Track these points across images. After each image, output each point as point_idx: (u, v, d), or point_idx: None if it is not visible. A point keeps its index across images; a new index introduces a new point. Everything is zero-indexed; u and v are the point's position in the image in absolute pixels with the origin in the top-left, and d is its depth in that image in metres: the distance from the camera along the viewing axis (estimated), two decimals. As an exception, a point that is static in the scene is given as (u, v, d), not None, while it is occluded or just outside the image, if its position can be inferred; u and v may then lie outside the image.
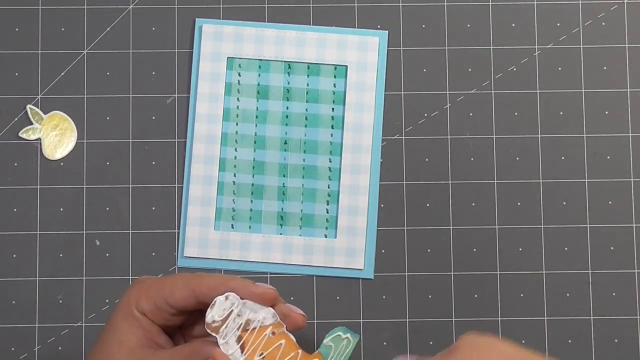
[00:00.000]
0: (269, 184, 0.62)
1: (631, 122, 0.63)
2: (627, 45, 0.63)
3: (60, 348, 0.61)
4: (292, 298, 0.62)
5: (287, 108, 0.62)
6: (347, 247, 0.62)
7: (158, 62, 0.63)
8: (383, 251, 0.62)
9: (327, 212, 0.62)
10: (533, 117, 0.63)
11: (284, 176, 0.62)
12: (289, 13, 0.63)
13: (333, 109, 0.62)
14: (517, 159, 0.62)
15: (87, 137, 0.63)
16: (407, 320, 0.62)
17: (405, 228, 0.62)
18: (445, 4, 0.63)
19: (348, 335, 0.47)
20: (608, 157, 0.63)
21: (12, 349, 0.61)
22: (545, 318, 0.61)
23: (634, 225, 0.62)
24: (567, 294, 0.61)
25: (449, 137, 0.63)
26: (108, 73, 0.63)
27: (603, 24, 0.63)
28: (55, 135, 0.62)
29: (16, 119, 0.63)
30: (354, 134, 0.62)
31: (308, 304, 0.62)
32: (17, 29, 0.63)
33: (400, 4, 0.63)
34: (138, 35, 0.63)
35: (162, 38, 0.63)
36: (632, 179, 0.62)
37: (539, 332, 0.61)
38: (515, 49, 0.63)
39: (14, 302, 0.61)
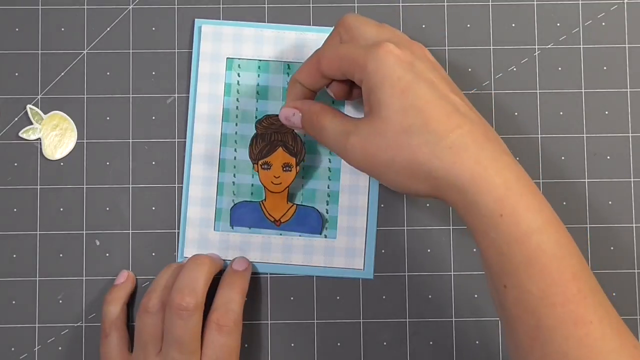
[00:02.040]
0: (268, 184, 0.62)
1: (631, 122, 0.63)
2: (627, 45, 0.63)
3: (60, 348, 0.61)
4: (291, 298, 0.62)
5: (287, 108, 0.62)
6: (347, 247, 0.62)
7: (158, 62, 0.63)
8: (383, 251, 0.62)
9: (327, 212, 0.62)
10: (533, 117, 0.63)
11: (283, 176, 0.63)
12: (288, 13, 0.63)
13: (333, 109, 0.62)
14: (517, 158, 0.62)
15: (87, 137, 0.63)
16: (407, 320, 0.62)
17: (405, 228, 0.62)
18: (445, 4, 0.63)
19: None
20: (608, 157, 0.63)
21: (12, 349, 0.61)
22: (545, 318, 0.61)
23: (634, 225, 0.62)
24: (567, 294, 0.61)
25: (448, 137, 0.62)
26: (108, 73, 0.63)
27: (603, 24, 0.63)
28: (55, 135, 0.62)
29: (16, 119, 0.63)
30: (354, 134, 0.62)
31: (308, 304, 0.62)
32: (17, 29, 0.63)
33: (400, 4, 0.63)
34: (138, 35, 0.63)
35: (162, 38, 0.63)
36: (632, 179, 0.62)
37: (539, 332, 0.61)
38: (515, 49, 0.63)
39: (14, 302, 0.61)
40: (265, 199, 0.62)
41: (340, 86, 0.56)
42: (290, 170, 0.61)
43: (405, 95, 0.49)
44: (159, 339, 0.56)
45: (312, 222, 0.62)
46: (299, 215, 0.61)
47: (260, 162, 0.61)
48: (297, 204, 0.62)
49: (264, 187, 0.61)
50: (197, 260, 0.59)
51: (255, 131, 0.61)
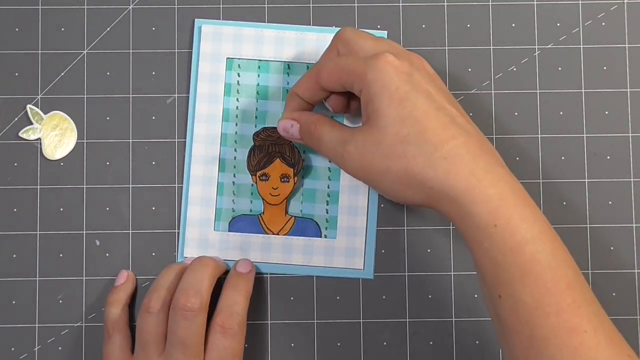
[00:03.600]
0: (268, 184, 0.62)
1: (631, 122, 0.63)
2: (627, 45, 0.63)
3: (60, 348, 0.61)
4: (291, 298, 0.62)
5: (287, 108, 0.62)
6: (347, 247, 0.62)
7: (158, 62, 0.63)
8: (383, 251, 0.62)
9: (327, 212, 0.62)
10: (533, 117, 0.63)
11: (283, 176, 0.63)
12: (288, 13, 0.63)
13: (333, 109, 0.62)
14: (517, 159, 0.62)
15: (87, 137, 0.63)
16: (407, 320, 0.62)
17: (405, 228, 0.62)
18: (445, 4, 0.63)
19: None
20: (608, 157, 0.63)
21: (12, 349, 0.61)
22: (545, 318, 0.61)
23: (634, 225, 0.62)
24: (567, 294, 0.61)
25: (448, 137, 0.62)
26: (108, 73, 0.63)
27: (603, 24, 0.63)
28: (55, 135, 0.62)
29: (16, 119, 0.63)
30: (354, 134, 0.62)
31: (308, 304, 0.62)
32: (17, 29, 0.63)
33: (400, 4, 0.63)
34: (138, 35, 0.63)
35: (162, 38, 0.63)
36: (632, 179, 0.62)
37: (539, 332, 0.61)
38: (515, 49, 0.63)
39: (14, 302, 0.61)
40: (263, 212, 0.62)
41: (338, 99, 0.57)
42: (288, 182, 0.61)
43: (403, 105, 0.50)
44: (161, 339, 0.56)
45: (311, 235, 0.62)
46: (297, 228, 0.62)
47: (258, 174, 0.61)
48: (295, 217, 0.62)
49: (263, 199, 0.61)
50: (201, 262, 0.59)
51: (252, 143, 0.61)
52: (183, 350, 0.55)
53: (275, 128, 0.59)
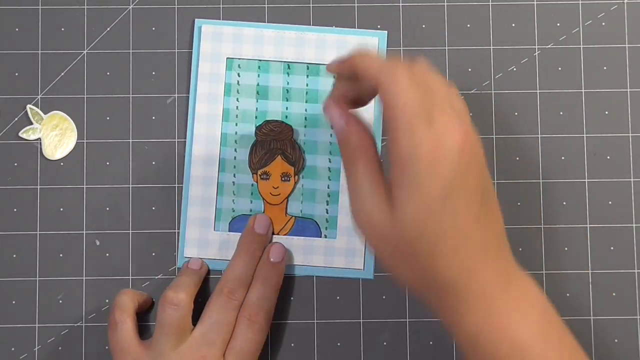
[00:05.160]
0: (268, 184, 0.62)
1: (631, 122, 0.63)
2: (627, 45, 0.63)
3: (60, 348, 0.61)
4: (292, 298, 0.62)
5: (287, 108, 0.62)
6: (347, 247, 0.62)
7: (158, 62, 0.63)
8: (383, 251, 0.62)
9: (327, 212, 0.62)
10: (533, 117, 0.63)
11: (283, 176, 0.63)
12: (288, 13, 0.63)
13: (333, 109, 0.62)
14: (517, 159, 0.62)
15: (87, 137, 0.63)
16: (407, 320, 0.62)
17: (405, 228, 0.62)
18: (445, 4, 0.63)
19: None
20: (608, 157, 0.63)
21: (12, 349, 0.61)
22: (545, 318, 0.61)
23: (634, 225, 0.62)
24: (567, 294, 0.61)
25: (448, 137, 0.62)
26: (108, 73, 0.63)
27: (603, 24, 0.63)
28: (55, 135, 0.62)
29: (16, 119, 0.63)
30: (354, 134, 0.62)
31: (308, 304, 0.62)
32: (17, 29, 0.63)
33: (400, 4, 0.63)
34: (138, 35, 0.63)
35: (162, 38, 0.63)
36: (632, 179, 0.62)
37: (539, 332, 0.61)
38: (515, 49, 0.63)
39: (14, 302, 0.61)
40: (263, 212, 0.62)
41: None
42: (289, 181, 0.61)
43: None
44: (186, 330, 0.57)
45: (311, 235, 0.62)
46: (297, 228, 0.62)
47: (259, 172, 0.61)
48: (295, 216, 0.62)
49: (263, 199, 0.61)
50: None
51: (255, 138, 0.61)
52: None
53: (278, 121, 0.59)
